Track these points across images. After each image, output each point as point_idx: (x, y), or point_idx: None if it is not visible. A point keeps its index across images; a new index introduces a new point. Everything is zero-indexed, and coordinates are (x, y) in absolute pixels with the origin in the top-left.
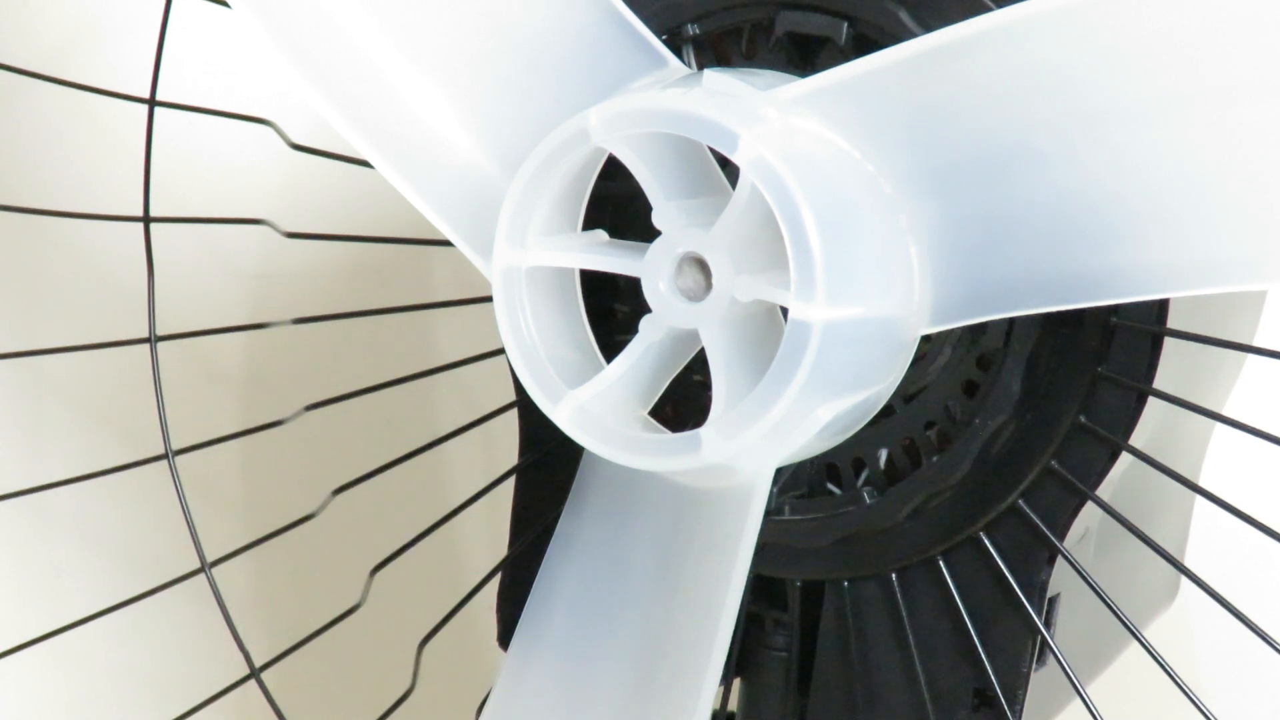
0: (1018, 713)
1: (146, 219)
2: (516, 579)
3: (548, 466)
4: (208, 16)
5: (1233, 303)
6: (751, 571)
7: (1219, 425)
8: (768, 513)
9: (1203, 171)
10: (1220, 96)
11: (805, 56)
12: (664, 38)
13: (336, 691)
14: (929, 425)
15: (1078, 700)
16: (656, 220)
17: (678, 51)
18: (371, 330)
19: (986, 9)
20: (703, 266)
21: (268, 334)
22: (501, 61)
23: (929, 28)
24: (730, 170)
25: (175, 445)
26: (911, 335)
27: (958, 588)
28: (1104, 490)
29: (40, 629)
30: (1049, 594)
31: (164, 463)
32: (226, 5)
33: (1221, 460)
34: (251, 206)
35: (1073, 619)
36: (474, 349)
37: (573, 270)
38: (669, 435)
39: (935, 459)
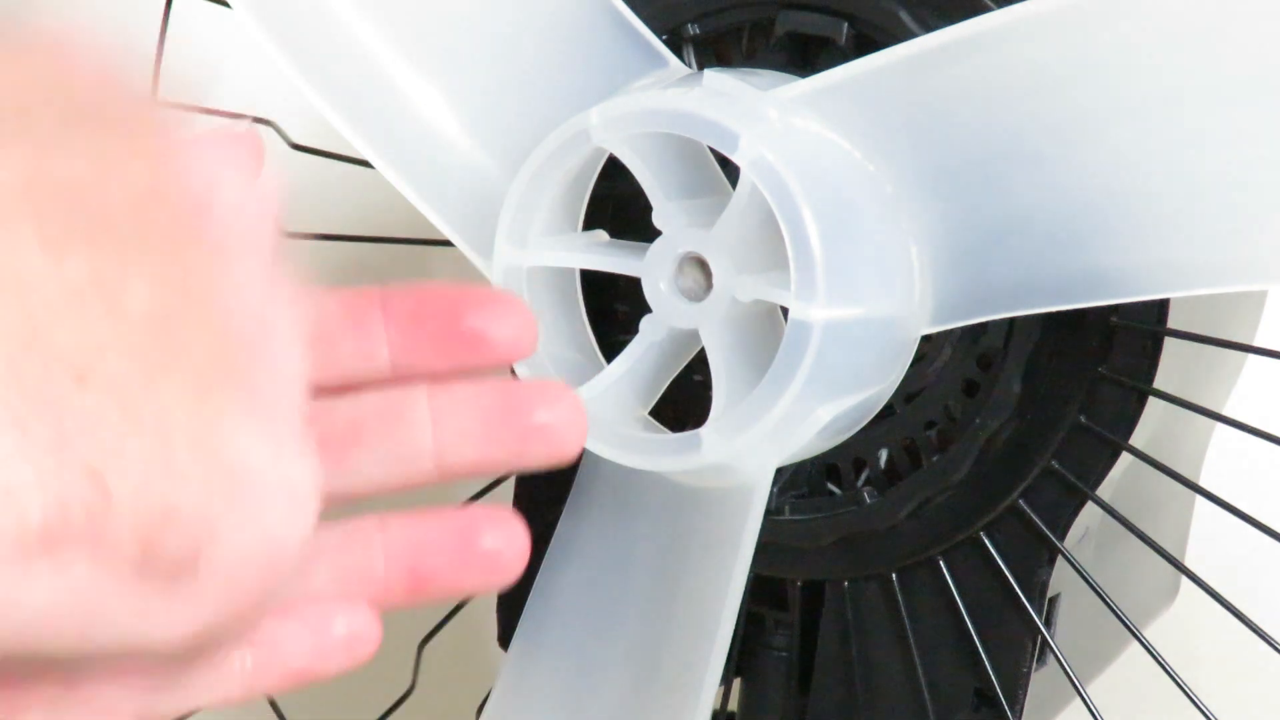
0: (1018, 713)
1: None
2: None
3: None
4: (208, 16)
5: (1233, 303)
6: (751, 571)
7: (1219, 425)
8: (768, 513)
9: (1203, 171)
10: (1219, 96)
11: (805, 56)
12: (664, 38)
13: (336, 691)
14: (929, 425)
15: (1078, 700)
16: (657, 220)
17: (678, 51)
18: None
19: (987, 9)
20: (703, 266)
21: None
22: (502, 61)
23: (929, 28)
24: (730, 170)
25: None
26: (912, 335)
27: (958, 588)
28: (1104, 490)
29: None
30: (1049, 594)
31: None
32: (227, 5)
33: (1221, 460)
34: None
35: (1073, 619)
36: None
37: (573, 270)
38: (669, 435)
39: (935, 459)
